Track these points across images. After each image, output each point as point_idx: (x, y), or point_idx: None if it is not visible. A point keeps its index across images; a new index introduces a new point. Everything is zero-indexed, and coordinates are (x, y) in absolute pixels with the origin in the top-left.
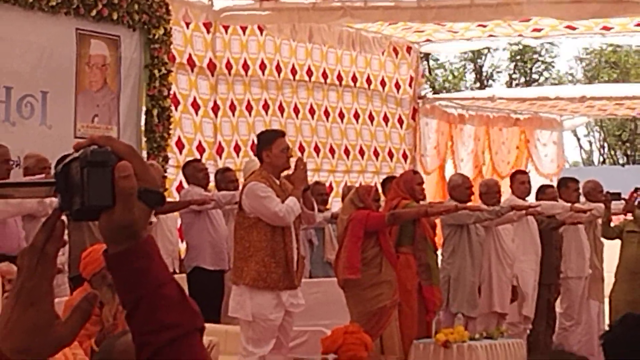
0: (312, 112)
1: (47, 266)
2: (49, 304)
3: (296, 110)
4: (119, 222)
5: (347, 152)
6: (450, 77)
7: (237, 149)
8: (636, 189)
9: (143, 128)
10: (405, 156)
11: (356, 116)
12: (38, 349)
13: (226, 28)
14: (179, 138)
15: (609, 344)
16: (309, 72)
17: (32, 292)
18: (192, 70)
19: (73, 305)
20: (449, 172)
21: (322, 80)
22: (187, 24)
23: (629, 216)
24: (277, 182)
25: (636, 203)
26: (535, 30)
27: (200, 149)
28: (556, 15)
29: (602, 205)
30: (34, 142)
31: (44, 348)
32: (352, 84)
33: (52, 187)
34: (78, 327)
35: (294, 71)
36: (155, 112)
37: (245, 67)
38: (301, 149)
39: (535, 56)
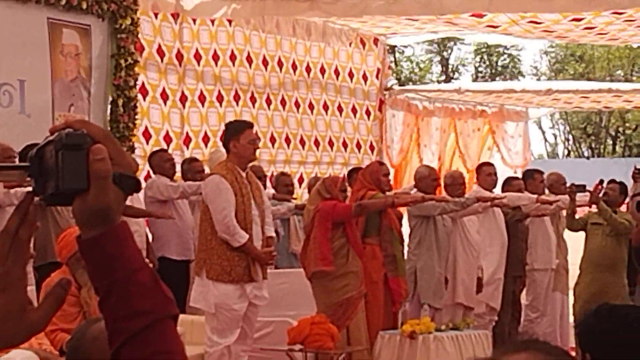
0: (283, 103)
1: (20, 251)
2: (22, 290)
3: (268, 102)
4: (93, 206)
5: (317, 143)
6: (416, 70)
7: (206, 139)
8: (601, 181)
9: (108, 118)
10: (372, 148)
11: (325, 107)
12: (10, 335)
13: (194, 19)
14: (146, 128)
15: (584, 335)
16: (280, 63)
17: (4, 277)
18: (162, 61)
19: (49, 287)
20: (415, 164)
21: (292, 72)
22: (156, 15)
23: (594, 208)
24: (243, 173)
25: (601, 195)
26: (498, 28)
27: (167, 139)
28: (524, 9)
29: (567, 197)
30: (12, 131)
31: (16, 334)
32: (320, 75)
33: (25, 172)
34: (51, 313)
35: (265, 62)
36: (120, 102)
37: (215, 57)
38: (272, 139)
39: (501, 49)
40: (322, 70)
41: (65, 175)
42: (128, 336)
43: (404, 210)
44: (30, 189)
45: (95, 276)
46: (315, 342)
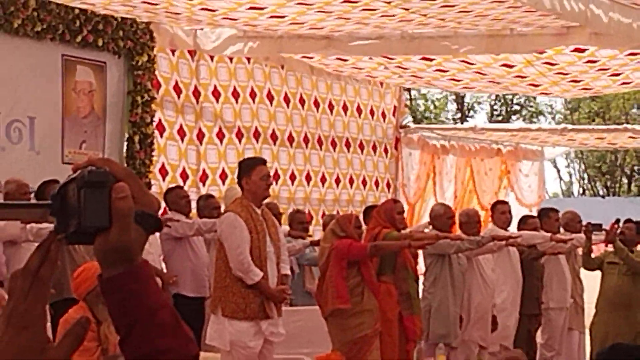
0: (305, 140)
1: (40, 290)
2: (42, 328)
3: (290, 139)
4: (115, 244)
5: (337, 181)
6: (431, 107)
7: (224, 176)
8: (617, 220)
9: (125, 155)
10: (389, 185)
11: (347, 145)
12: None
13: (211, 56)
14: (163, 165)
15: None
16: (301, 100)
17: (25, 315)
18: (179, 98)
19: (68, 323)
20: (431, 202)
21: (314, 109)
22: (173, 52)
23: (610, 247)
24: (258, 210)
25: (617, 233)
26: (513, 68)
27: (184, 176)
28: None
29: (582, 235)
30: (22, 168)
31: None
32: (342, 112)
33: (48, 210)
34: (70, 352)
35: (287, 100)
36: (137, 138)
37: (235, 94)
38: (292, 177)
39: None
40: (345, 108)
41: (87, 213)
42: None
43: None
44: (49, 225)
45: (115, 315)
46: None
